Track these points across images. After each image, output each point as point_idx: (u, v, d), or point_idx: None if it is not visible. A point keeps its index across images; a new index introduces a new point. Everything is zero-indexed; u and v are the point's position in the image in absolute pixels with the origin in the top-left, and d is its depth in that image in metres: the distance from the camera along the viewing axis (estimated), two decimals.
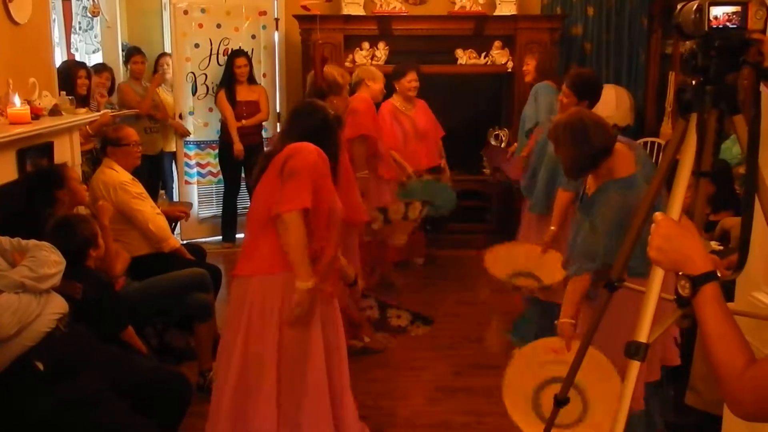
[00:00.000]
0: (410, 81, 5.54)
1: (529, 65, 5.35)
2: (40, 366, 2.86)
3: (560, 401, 2.61)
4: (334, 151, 3.24)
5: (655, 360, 3.18)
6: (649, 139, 7.04)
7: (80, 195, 4.01)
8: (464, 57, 6.94)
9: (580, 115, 3.10)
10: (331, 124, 3.28)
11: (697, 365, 3.43)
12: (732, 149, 4.77)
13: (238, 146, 6.54)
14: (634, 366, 1.76)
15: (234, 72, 6.64)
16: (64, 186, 3.89)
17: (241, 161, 6.61)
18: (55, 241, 3.22)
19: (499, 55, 6.91)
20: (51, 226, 3.49)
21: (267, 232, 3.05)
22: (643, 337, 1.75)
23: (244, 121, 6.62)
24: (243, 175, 6.74)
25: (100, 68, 6.32)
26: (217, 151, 7.03)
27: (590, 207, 3.09)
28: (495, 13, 6.91)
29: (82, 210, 4.11)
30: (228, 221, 6.97)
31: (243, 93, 6.68)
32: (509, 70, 6.85)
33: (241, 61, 6.64)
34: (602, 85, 4.59)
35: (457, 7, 6.97)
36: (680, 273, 1.45)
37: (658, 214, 1.52)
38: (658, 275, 1.73)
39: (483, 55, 6.94)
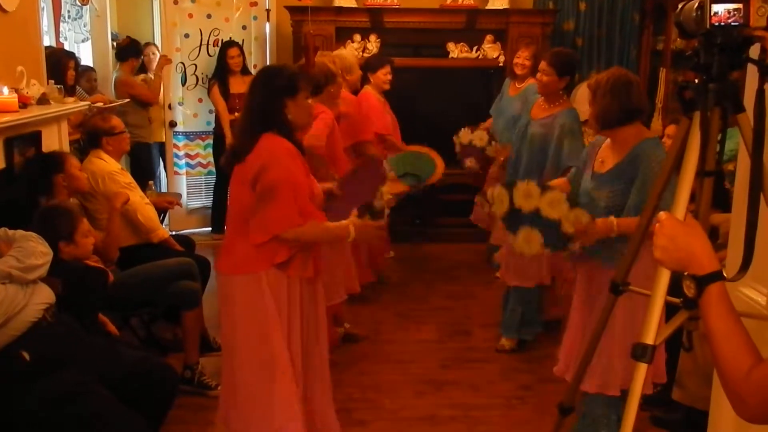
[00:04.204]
0: (386, 74, 5.57)
1: (521, 57, 5.40)
2: (27, 356, 2.84)
3: (565, 409, 2.57)
4: (288, 125, 2.97)
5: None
6: None
7: (79, 182, 4.04)
8: (456, 50, 6.91)
9: (626, 72, 3.19)
10: (280, 95, 2.94)
11: (684, 361, 3.43)
12: None
13: (230, 140, 6.49)
14: (641, 368, 1.73)
15: (227, 63, 6.61)
16: (63, 171, 3.92)
17: None
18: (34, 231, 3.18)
19: (491, 49, 6.89)
20: (36, 216, 3.45)
21: (244, 231, 2.94)
22: (649, 339, 1.73)
23: (237, 114, 6.53)
24: None
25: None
26: (206, 142, 7.03)
27: (627, 167, 3.08)
28: (487, 7, 6.90)
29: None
30: (218, 213, 6.92)
31: (236, 85, 6.60)
32: (501, 64, 6.83)
33: (233, 51, 6.61)
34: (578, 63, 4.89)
35: (449, 1, 6.93)
36: (685, 273, 1.43)
37: (662, 214, 1.50)
38: (664, 276, 1.70)
39: (474, 48, 6.91)
